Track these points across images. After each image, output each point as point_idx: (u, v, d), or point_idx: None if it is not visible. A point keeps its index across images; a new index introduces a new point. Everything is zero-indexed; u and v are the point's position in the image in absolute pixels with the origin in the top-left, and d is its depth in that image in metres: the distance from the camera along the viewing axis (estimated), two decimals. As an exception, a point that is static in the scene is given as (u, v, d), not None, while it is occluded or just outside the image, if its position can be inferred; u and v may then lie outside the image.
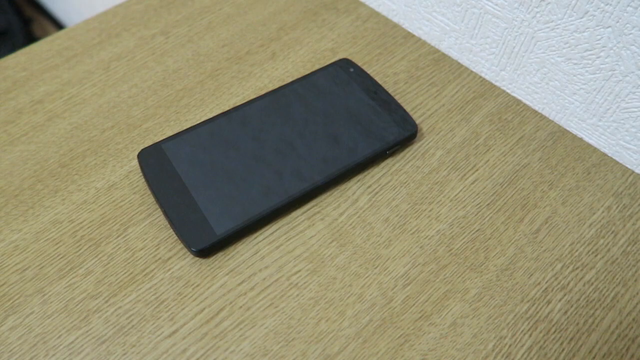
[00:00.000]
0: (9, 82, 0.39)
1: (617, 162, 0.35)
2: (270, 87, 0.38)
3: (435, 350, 0.27)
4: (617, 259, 0.30)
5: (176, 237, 0.30)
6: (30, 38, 1.41)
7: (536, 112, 0.37)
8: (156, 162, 0.32)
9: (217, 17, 0.43)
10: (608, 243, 0.31)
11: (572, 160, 0.35)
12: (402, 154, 0.35)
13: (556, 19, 0.33)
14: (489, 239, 0.31)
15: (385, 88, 0.37)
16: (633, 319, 0.28)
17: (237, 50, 0.41)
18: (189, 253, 0.30)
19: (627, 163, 0.35)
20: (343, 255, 0.30)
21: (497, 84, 0.40)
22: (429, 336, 0.27)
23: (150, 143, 0.35)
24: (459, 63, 0.40)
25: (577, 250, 0.31)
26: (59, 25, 1.51)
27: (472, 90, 0.38)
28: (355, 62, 0.40)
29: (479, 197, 0.33)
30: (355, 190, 0.33)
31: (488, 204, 0.32)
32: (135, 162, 0.34)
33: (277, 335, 0.27)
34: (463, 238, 0.31)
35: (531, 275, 0.30)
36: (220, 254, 0.30)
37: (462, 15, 0.38)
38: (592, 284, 0.30)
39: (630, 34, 0.30)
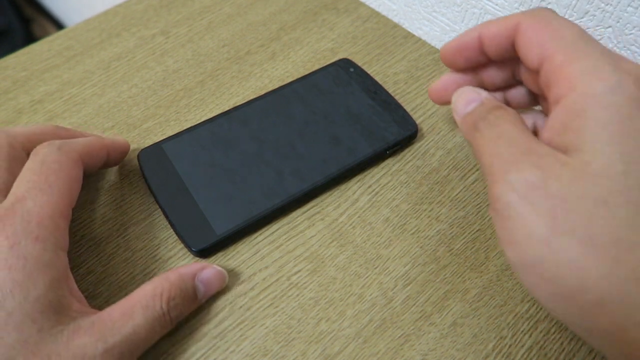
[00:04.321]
0: (9, 82, 0.39)
1: (617, 162, 0.35)
2: (270, 87, 0.38)
3: (436, 350, 0.27)
4: (617, 259, 0.30)
5: (176, 237, 0.30)
6: (30, 38, 1.41)
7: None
8: (156, 162, 0.32)
9: (217, 17, 0.43)
10: (608, 243, 0.31)
11: (572, 160, 0.35)
12: (402, 154, 0.35)
13: (556, 19, 0.33)
14: (489, 239, 0.31)
15: (386, 88, 0.37)
16: (633, 319, 0.28)
17: (237, 50, 0.41)
18: (189, 253, 0.30)
19: (627, 163, 0.35)
20: (343, 255, 0.30)
21: (497, 84, 0.40)
22: (429, 336, 0.27)
23: (150, 143, 0.35)
24: (459, 63, 0.40)
25: (577, 250, 0.31)
26: (59, 25, 1.51)
27: (472, 90, 0.38)
28: (355, 62, 0.40)
29: (479, 197, 0.33)
30: (355, 190, 0.33)
31: (488, 204, 0.32)
32: (135, 162, 0.34)
33: (277, 335, 0.27)
34: (463, 238, 0.31)
35: (531, 275, 0.30)
36: (220, 254, 0.30)
37: (462, 15, 0.38)
38: (593, 284, 0.29)
39: (631, 34, 0.30)
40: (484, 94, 0.26)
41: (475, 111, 0.24)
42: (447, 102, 0.29)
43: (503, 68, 0.27)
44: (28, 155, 0.27)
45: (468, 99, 0.26)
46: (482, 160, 0.23)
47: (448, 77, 0.29)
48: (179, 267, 0.27)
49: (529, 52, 0.23)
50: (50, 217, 0.24)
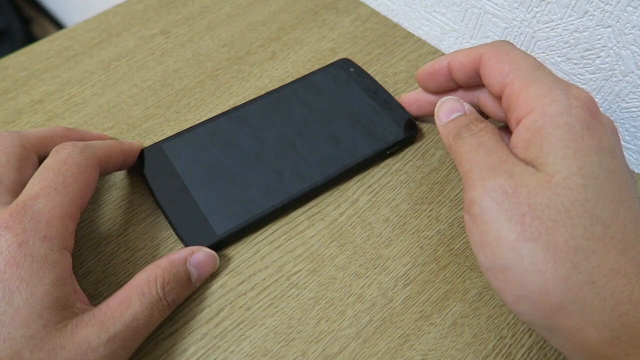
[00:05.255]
0: (9, 82, 0.39)
1: (617, 162, 0.35)
2: (270, 87, 0.38)
3: (436, 350, 0.27)
4: (617, 258, 0.30)
5: (176, 237, 0.30)
6: (30, 38, 1.41)
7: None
8: (156, 162, 0.32)
9: (217, 17, 0.43)
10: (608, 243, 0.31)
11: (572, 160, 0.35)
12: (402, 154, 0.35)
13: (556, 18, 0.33)
14: (489, 238, 0.31)
15: (386, 88, 0.37)
16: (633, 319, 0.28)
17: (237, 50, 0.41)
18: (189, 253, 0.30)
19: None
20: (343, 255, 0.30)
21: (497, 83, 0.40)
22: (429, 336, 0.27)
23: (150, 143, 0.35)
24: (459, 63, 0.40)
25: (577, 250, 0.31)
26: (59, 25, 1.51)
27: (472, 90, 0.38)
28: (355, 62, 0.40)
29: (479, 197, 0.33)
30: (355, 190, 0.33)
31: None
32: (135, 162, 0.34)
33: (277, 335, 0.27)
34: (463, 238, 0.31)
35: (531, 275, 0.30)
36: (220, 254, 0.30)
37: (462, 15, 0.38)
38: (592, 283, 0.29)
39: (630, 33, 0.30)
40: (467, 105, 0.27)
41: (457, 120, 0.26)
42: (414, 113, 0.35)
43: (469, 92, 0.30)
44: (39, 157, 0.27)
45: (452, 107, 0.27)
46: (462, 166, 0.24)
47: (420, 93, 0.34)
48: (169, 253, 0.27)
49: (492, 80, 0.26)
50: (59, 218, 0.24)
